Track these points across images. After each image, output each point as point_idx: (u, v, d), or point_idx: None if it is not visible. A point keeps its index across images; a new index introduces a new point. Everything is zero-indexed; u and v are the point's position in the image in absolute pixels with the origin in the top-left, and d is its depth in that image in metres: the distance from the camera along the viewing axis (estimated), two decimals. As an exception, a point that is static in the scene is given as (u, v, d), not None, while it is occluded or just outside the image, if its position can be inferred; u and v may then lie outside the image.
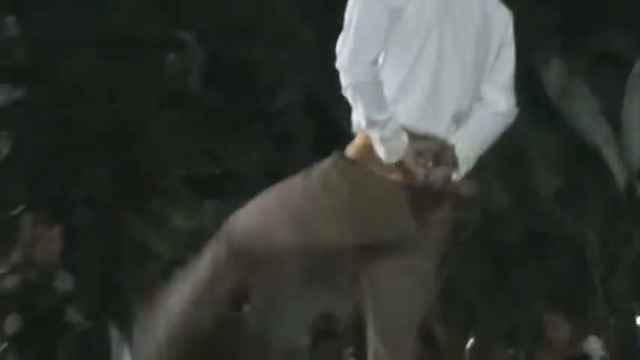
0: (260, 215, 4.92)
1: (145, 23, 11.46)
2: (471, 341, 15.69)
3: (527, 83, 11.75)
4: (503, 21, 4.94)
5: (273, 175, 13.27)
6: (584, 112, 11.89)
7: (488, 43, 4.90)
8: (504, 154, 10.37)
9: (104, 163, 11.78)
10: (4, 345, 10.86)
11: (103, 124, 11.55)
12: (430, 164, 4.56)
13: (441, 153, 4.62)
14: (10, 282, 10.30)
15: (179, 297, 4.97)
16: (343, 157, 4.71)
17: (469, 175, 5.17)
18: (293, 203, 4.88)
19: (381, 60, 4.68)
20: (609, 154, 12.38)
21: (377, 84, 4.70)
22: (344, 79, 4.66)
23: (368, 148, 4.64)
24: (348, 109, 5.05)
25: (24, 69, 11.63)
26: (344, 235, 4.79)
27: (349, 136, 5.90)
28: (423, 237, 4.80)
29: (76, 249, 11.16)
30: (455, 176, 4.70)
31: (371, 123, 4.66)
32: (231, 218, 4.94)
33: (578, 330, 9.32)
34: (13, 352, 10.81)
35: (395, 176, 4.62)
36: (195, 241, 13.59)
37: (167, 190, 12.48)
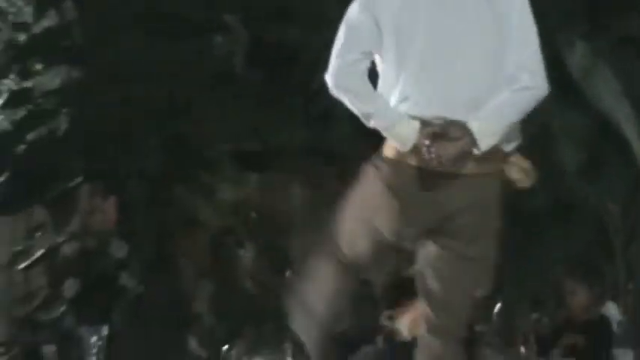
0: (342, 226, 5.13)
1: (194, 7, 11.46)
2: (498, 306, 15.71)
3: (553, 64, 11.58)
4: (512, 6, 5.00)
5: (312, 150, 13.12)
6: (607, 93, 11.89)
7: (500, 29, 4.92)
8: (530, 132, 10.28)
9: (156, 138, 11.74)
10: (63, 307, 10.84)
11: (155, 102, 11.50)
12: (427, 141, 4.67)
13: (444, 129, 4.73)
14: (69, 249, 10.32)
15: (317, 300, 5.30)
16: (376, 158, 4.99)
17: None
18: (356, 211, 5.06)
19: (379, 61, 4.93)
20: (630, 133, 12.34)
21: (358, 81, 4.92)
22: (328, 83, 5.01)
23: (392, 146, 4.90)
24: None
25: (82, 50, 11.57)
26: (398, 225, 4.95)
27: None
28: (451, 221, 4.94)
29: (130, 219, 11.15)
30: (475, 151, 4.77)
31: (365, 116, 4.97)
32: (330, 230, 5.23)
33: (597, 296, 9.30)
34: (71, 314, 10.81)
35: (412, 161, 4.79)
36: (239, 210, 13.57)
37: (214, 164, 12.47)
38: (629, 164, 12.35)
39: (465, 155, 4.83)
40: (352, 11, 5.02)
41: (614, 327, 9.83)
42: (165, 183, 11.97)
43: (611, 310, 10.49)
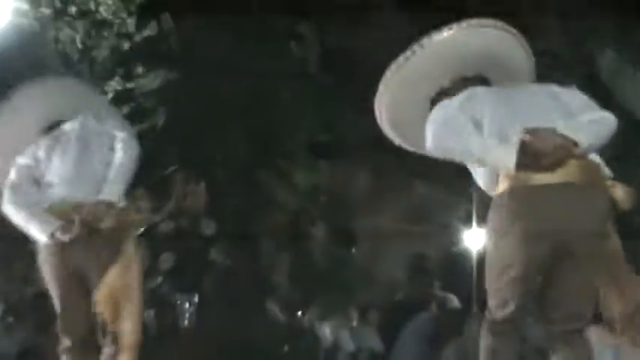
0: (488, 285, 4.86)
1: (274, 17, 11.56)
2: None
3: (585, 68, 11.51)
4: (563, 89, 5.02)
5: (375, 142, 13.10)
6: (635, 95, 11.86)
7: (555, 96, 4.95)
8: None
9: (241, 131, 11.83)
10: (160, 279, 10.98)
11: (241, 99, 11.60)
12: (533, 138, 4.53)
13: (540, 131, 4.59)
14: (165, 227, 10.40)
15: None
16: (496, 197, 4.84)
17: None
18: (494, 256, 4.82)
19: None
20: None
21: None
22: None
23: (504, 179, 4.71)
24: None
25: (177, 55, 11.69)
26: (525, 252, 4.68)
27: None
28: (577, 240, 4.71)
29: (218, 201, 11.27)
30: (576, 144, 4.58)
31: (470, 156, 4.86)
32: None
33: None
34: (166, 285, 10.92)
35: (522, 174, 4.64)
36: (312, 194, 13.64)
37: (291, 153, 12.53)
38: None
39: (562, 147, 4.66)
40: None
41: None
42: (249, 170, 12.06)
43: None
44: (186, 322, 11.13)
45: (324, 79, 12.46)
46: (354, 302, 13.74)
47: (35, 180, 6.13)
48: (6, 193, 6.18)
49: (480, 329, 4.96)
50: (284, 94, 12.04)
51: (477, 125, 4.86)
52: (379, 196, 16.22)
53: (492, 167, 4.85)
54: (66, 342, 6.01)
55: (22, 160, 6.24)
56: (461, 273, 13.95)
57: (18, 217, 6.11)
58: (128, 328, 6.12)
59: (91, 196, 5.96)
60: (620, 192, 4.93)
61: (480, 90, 5.12)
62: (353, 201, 15.25)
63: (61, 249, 5.99)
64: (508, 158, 4.63)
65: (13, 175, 6.16)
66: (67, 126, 6.22)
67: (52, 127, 6.27)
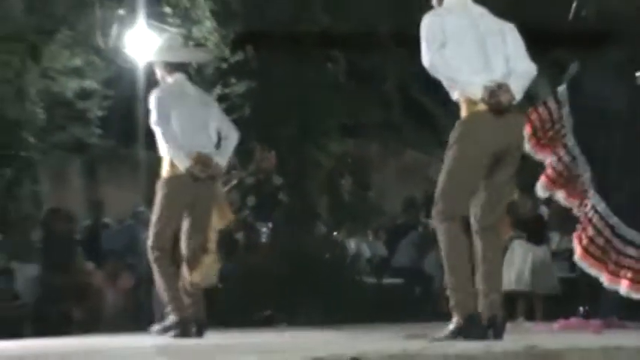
0: (441, 185, 4.62)
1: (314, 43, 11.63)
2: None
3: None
4: (509, 27, 4.82)
5: (382, 124, 13.02)
6: None
7: (506, 37, 4.76)
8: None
9: (296, 118, 12.00)
10: (247, 212, 11.29)
11: (295, 98, 11.77)
12: (498, 91, 4.46)
13: (503, 86, 4.50)
14: (249, 180, 10.67)
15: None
16: (458, 123, 4.62)
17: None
18: (449, 161, 4.61)
19: (449, 52, 4.59)
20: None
21: (446, 62, 4.60)
22: (424, 64, 4.64)
23: (468, 103, 4.60)
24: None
25: (257, 71, 11.85)
26: (479, 157, 4.57)
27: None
28: (509, 155, 4.69)
29: (282, 163, 11.54)
30: (515, 98, 4.57)
31: (454, 81, 4.65)
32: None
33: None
34: (251, 216, 11.28)
35: (482, 107, 4.53)
36: (342, 158, 13.61)
37: (327, 132, 12.58)
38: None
39: (512, 101, 4.54)
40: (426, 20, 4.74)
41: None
42: (301, 143, 12.15)
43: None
44: (264, 239, 11.43)
45: (349, 85, 12.65)
46: (370, 226, 14.08)
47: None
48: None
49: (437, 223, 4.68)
50: (323, 95, 11.96)
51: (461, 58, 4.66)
52: (384, 159, 16.51)
53: (463, 93, 4.66)
54: (156, 253, 6.06)
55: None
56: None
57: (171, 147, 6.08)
58: (213, 247, 6.36)
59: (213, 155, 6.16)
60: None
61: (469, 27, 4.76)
62: (367, 162, 15.49)
63: (185, 182, 6.04)
64: (477, 93, 4.52)
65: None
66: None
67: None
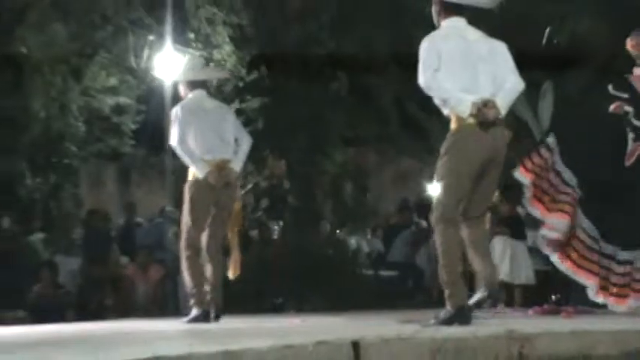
0: (438, 194, 4.65)
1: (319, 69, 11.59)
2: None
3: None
4: (500, 45, 4.74)
5: (377, 136, 12.57)
6: None
7: (496, 56, 4.70)
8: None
9: (305, 131, 11.75)
10: (260, 212, 11.25)
11: (304, 113, 11.58)
12: (484, 108, 4.44)
13: (489, 102, 4.47)
14: (263, 184, 10.59)
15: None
16: (449, 133, 4.62)
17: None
18: (443, 171, 4.59)
19: (442, 75, 4.55)
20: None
21: (439, 84, 4.56)
22: (420, 84, 4.58)
23: (457, 117, 4.54)
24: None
25: (269, 89, 11.71)
26: (468, 167, 4.54)
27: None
28: (494, 163, 4.65)
29: (292, 170, 11.52)
30: (501, 113, 4.53)
31: (445, 101, 4.61)
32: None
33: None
34: (264, 216, 11.23)
35: (470, 120, 4.49)
36: (344, 166, 13.35)
37: (332, 142, 12.40)
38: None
39: (497, 116, 4.50)
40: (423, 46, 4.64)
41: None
42: (310, 153, 11.88)
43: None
44: (275, 236, 11.35)
45: (350, 101, 12.29)
46: (368, 225, 14.00)
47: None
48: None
49: (435, 225, 4.69)
50: (328, 109, 11.78)
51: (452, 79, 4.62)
52: (381, 166, 16.45)
53: (453, 111, 4.63)
54: (187, 252, 5.98)
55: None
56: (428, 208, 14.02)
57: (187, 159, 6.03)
58: (235, 242, 6.41)
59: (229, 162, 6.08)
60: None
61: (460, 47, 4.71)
62: (366, 169, 15.34)
63: (206, 186, 5.97)
64: (466, 111, 4.49)
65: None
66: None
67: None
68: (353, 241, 12.98)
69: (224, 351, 2.74)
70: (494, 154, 4.63)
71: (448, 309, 4.44)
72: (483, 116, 4.49)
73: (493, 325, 4.28)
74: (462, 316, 4.38)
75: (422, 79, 4.57)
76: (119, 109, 12.36)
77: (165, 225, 11.30)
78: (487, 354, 3.00)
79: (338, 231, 12.59)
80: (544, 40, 11.18)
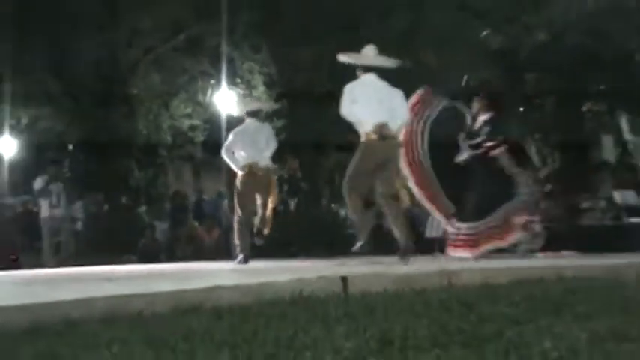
0: (347, 174, 4.60)
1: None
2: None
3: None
4: (397, 91, 4.62)
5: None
6: None
7: (393, 98, 4.57)
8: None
9: (309, 134, 10.95)
10: (283, 194, 10.62)
11: (309, 128, 10.91)
12: (381, 129, 4.41)
13: (384, 125, 4.43)
14: (285, 175, 10.39)
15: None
16: (361, 144, 4.52)
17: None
18: (352, 163, 4.61)
19: (357, 107, 4.43)
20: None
21: (354, 113, 4.49)
22: (341, 112, 4.47)
23: (365, 134, 4.47)
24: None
25: (285, 111, 11.11)
26: (370, 167, 4.51)
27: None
28: (389, 162, 4.57)
29: (303, 167, 11.32)
30: (392, 132, 4.46)
31: (357, 123, 4.52)
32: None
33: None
34: (285, 196, 10.51)
35: (374, 136, 4.46)
36: (336, 165, 12.17)
37: (330, 145, 11.41)
38: None
39: (390, 134, 4.45)
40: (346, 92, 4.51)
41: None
42: (313, 154, 11.33)
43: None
44: (292, 208, 11.17)
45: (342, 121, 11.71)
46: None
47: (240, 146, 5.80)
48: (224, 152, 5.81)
49: (345, 192, 4.63)
50: (327, 126, 10.19)
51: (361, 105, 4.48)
52: None
53: (362, 129, 4.51)
54: (238, 225, 5.61)
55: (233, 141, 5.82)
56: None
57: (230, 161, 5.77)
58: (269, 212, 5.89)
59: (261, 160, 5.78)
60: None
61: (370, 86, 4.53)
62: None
63: (249, 177, 5.70)
64: (368, 129, 4.42)
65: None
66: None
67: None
68: (343, 212, 12.91)
69: (259, 283, 2.72)
70: (388, 156, 4.56)
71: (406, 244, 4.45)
72: (380, 133, 4.46)
73: (432, 265, 4.05)
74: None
75: (343, 110, 4.51)
76: (192, 128, 12.32)
77: (221, 201, 11.44)
78: (429, 283, 2.83)
79: (333, 205, 12.39)
80: (463, 82, 10.46)
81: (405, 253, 4.57)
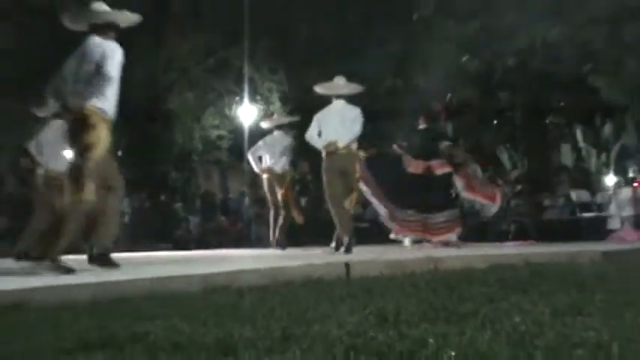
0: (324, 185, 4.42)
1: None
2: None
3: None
4: (357, 111, 4.35)
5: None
6: None
7: (346, 115, 4.35)
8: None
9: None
10: (295, 194, 10.41)
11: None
12: (330, 146, 4.25)
13: (333, 142, 4.29)
14: (297, 177, 8.80)
15: None
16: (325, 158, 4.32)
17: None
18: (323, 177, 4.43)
19: (322, 131, 4.34)
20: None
21: (314, 136, 4.41)
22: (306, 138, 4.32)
23: (328, 148, 4.33)
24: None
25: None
26: (330, 173, 4.39)
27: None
28: (347, 170, 4.39)
29: (314, 168, 11.16)
30: (339, 147, 4.27)
31: (317, 144, 4.42)
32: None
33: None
34: (298, 195, 9.25)
35: (324, 152, 4.34)
36: None
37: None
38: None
39: (335, 148, 4.27)
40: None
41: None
42: (319, 157, 11.56)
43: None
44: (303, 204, 10.51)
45: None
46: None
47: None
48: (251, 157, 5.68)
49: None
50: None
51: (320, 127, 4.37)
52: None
53: (319, 146, 4.40)
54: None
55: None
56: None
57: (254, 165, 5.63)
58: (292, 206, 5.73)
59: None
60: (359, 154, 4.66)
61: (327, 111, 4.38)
62: None
63: (265, 180, 5.53)
64: (320, 146, 4.36)
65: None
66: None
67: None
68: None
69: (275, 267, 2.70)
70: (343, 167, 4.42)
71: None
72: (327, 149, 4.37)
73: (419, 252, 3.98)
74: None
75: (306, 136, 4.52)
76: (220, 137, 12.29)
77: (243, 199, 11.33)
78: (418, 268, 2.80)
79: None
80: (447, 100, 10.59)
81: (343, 245, 4.44)
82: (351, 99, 4.62)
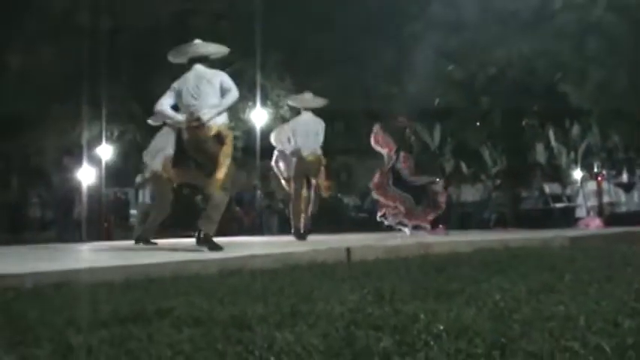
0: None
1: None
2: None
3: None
4: (319, 123, 4.44)
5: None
6: None
7: (318, 126, 4.44)
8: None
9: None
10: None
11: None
12: (297, 152, 4.31)
13: (298, 150, 4.32)
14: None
15: None
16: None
17: None
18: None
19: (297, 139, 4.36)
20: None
21: (280, 140, 4.44)
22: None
23: (297, 154, 4.29)
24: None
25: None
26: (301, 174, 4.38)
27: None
28: (313, 173, 4.36)
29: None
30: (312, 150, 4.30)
31: (283, 147, 4.42)
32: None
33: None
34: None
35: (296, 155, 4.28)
36: (341, 166, 12.37)
37: (337, 152, 10.93)
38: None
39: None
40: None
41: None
42: (326, 158, 11.46)
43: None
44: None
45: (343, 135, 11.23)
46: (353, 191, 13.24)
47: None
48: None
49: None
50: (335, 139, 9.80)
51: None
52: (360, 164, 15.12)
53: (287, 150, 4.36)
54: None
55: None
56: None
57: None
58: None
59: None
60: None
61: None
62: (351, 166, 13.60)
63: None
64: (289, 151, 4.38)
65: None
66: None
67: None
68: (346, 199, 13.05)
69: (284, 252, 2.67)
70: (309, 167, 4.50)
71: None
72: (297, 155, 4.41)
73: (411, 239, 3.94)
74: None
75: (271, 138, 4.59)
76: (235, 138, 12.13)
77: (256, 192, 11.33)
78: (410, 252, 2.79)
79: (339, 194, 12.20)
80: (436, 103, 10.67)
81: (304, 233, 4.53)
82: (315, 110, 4.66)
